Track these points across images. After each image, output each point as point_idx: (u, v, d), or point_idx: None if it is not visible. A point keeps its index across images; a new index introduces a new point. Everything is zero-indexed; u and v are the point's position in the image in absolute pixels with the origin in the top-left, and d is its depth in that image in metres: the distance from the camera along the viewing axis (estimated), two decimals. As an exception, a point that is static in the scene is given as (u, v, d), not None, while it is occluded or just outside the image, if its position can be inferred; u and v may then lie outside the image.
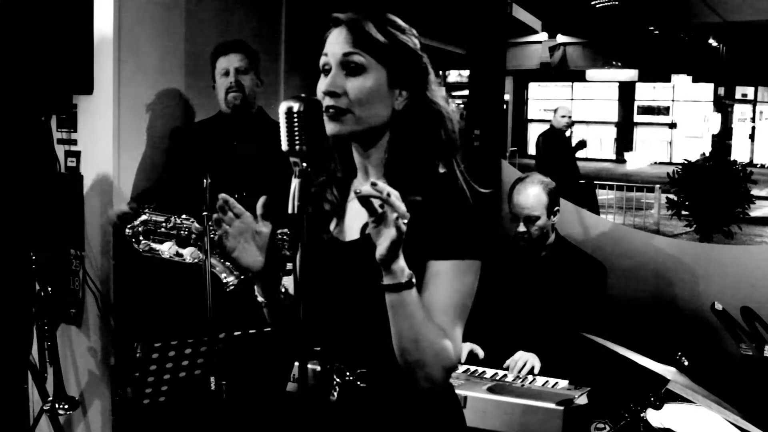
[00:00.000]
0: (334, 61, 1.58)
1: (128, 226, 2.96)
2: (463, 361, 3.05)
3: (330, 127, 1.57)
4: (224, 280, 2.93)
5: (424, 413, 1.63)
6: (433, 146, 1.62)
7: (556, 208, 3.22)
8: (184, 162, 3.36)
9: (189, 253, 2.94)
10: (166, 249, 2.94)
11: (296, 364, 2.72)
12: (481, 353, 3.11)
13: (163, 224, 2.93)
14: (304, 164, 1.48)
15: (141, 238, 2.94)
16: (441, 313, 1.53)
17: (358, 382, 1.62)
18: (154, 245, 2.96)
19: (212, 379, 2.75)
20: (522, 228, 3.16)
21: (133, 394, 2.75)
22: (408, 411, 1.62)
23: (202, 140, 3.38)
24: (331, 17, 1.61)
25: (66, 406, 3.37)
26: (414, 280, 1.47)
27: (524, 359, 2.98)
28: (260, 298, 1.68)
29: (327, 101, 1.57)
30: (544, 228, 3.18)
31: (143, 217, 2.94)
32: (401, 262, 1.45)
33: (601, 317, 3.17)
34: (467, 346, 3.11)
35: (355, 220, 1.65)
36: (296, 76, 4.23)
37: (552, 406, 2.55)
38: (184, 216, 2.93)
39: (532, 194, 3.17)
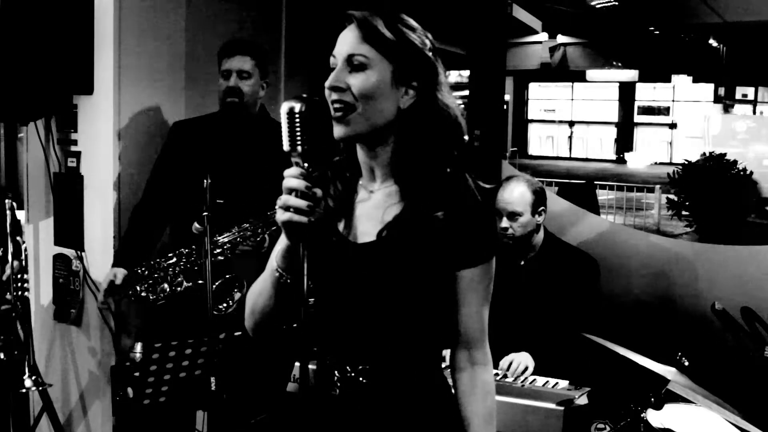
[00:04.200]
0: (341, 58, 1.60)
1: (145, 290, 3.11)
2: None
3: (337, 131, 1.59)
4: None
5: (423, 409, 1.66)
6: (441, 149, 1.63)
7: (542, 208, 3.22)
8: (183, 157, 3.30)
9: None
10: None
11: (296, 364, 2.74)
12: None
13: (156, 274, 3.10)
14: (306, 164, 1.48)
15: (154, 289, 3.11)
16: (475, 320, 1.67)
17: (360, 378, 1.64)
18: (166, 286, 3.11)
19: (212, 379, 2.75)
20: (504, 224, 3.16)
21: (133, 394, 2.75)
22: (409, 408, 1.64)
23: (201, 137, 3.32)
24: (345, 14, 1.62)
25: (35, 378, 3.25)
26: None
27: (518, 361, 2.97)
28: (280, 272, 1.59)
29: (332, 96, 1.58)
30: (528, 226, 3.18)
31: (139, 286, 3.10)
32: None
33: (596, 312, 3.17)
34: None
35: (367, 221, 1.65)
36: (297, 77, 4.23)
37: (552, 406, 2.55)
38: (169, 256, 3.10)
39: (516, 191, 3.18)
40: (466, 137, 1.66)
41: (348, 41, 1.60)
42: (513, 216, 3.16)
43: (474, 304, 1.66)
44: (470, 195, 1.62)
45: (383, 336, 1.62)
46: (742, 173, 10.42)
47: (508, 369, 2.96)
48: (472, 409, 1.67)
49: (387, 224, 1.62)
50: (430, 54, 1.64)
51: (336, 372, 1.66)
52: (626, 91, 26.76)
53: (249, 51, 3.25)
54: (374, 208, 1.65)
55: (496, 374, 2.92)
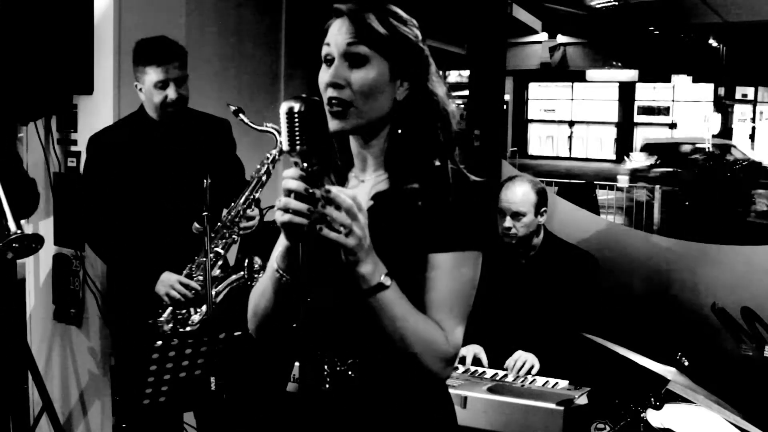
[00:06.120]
0: (337, 52, 1.58)
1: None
2: (469, 363, 3.04)
3: (333, 124, 1.58)
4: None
5: (415, 404, 1.64)
6: (430, 138, 1.63)
7: (544, 209, 3.24)
8: (114, 170, 3.12)
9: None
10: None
11: (296, 364, 2.74)
12: (484, 359, 3.09)
13: None
14: (305, 164, 1.48)
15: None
16: (440, 305, 1.58)
17: (350, 372, 1.64)
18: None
19: (212, 379, 2.75)
20: (508, 223, 3.17)
21: (132, 394, 2.75)
22: (399, 401, 1.63)
23: (130, 145, 3.15)
24: (332, 8, 1.61)
25: None
26: (386, 281, 1.50)
27: (523, 359, 3.00)
28: (280, 273, 1.60)
29: (330, 92, 1.57)
30: (530, 226, 3.19)
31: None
32: (366, 267, 1.49)
33: (596, 308, 3.18)
34: (470, 350, 3.09)
35: None
36: (296, 76, 4.23)
37: (552, 406, 2.55)
38: None
39: (520, 191, 3.19)
40: (455, 124, 1.65)
41: (343, 34, 1.58)
42: (516, 216, 3.17)
43: (443, 290, 1.57)
44: (455, 183, 1.60)
45: (371, 330, 1.60)
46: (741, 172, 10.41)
47: (515, 365, 2.98)
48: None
49: (368, 208, 1.59)
50: (422, 45, 1.64)
51: (326, 366, 1.66)
52: (626, 91, 26.76)
53: (178, 56, 3.08)
54: (363, 197, 1.64)
55: (496, 374, 2.93)
